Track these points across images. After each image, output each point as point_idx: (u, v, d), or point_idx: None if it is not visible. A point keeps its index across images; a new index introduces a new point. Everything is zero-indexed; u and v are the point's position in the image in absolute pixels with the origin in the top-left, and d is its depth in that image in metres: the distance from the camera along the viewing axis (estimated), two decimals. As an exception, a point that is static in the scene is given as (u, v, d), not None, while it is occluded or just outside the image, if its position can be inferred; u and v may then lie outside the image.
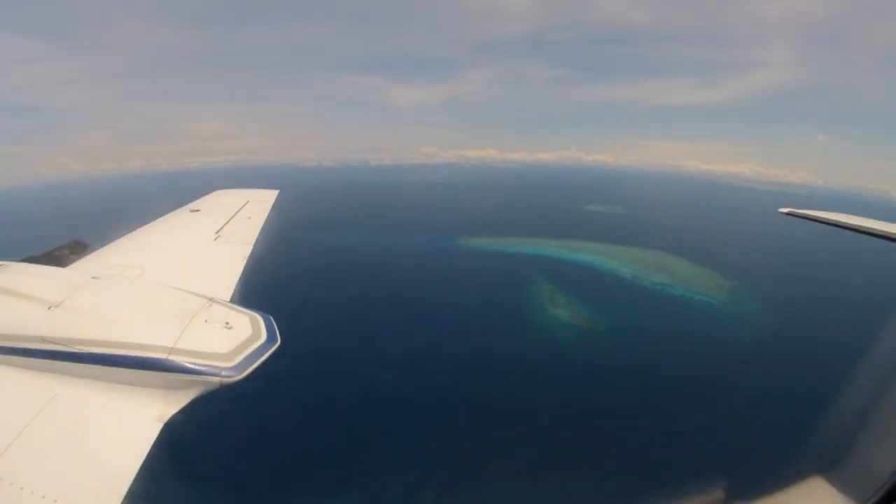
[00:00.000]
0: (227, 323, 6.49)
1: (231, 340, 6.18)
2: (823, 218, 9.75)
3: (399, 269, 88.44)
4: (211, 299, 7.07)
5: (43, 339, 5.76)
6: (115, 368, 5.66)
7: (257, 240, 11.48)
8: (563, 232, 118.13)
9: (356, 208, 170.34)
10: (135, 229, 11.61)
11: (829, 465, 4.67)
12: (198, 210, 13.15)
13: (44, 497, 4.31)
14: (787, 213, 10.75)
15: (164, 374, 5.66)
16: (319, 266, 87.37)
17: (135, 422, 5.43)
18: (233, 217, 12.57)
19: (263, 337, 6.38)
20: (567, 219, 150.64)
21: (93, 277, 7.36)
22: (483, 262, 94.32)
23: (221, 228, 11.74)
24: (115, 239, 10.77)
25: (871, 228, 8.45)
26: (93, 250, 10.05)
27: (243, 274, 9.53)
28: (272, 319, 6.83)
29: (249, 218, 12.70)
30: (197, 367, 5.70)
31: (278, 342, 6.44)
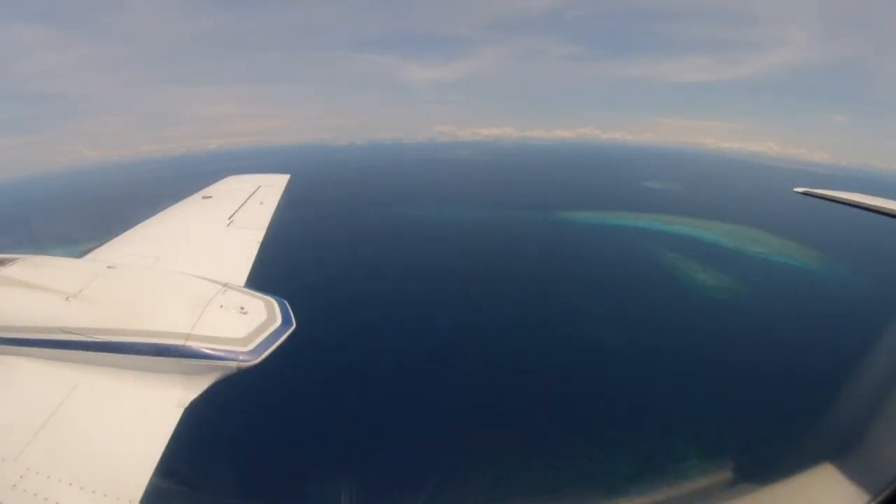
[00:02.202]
0: (242, 308, 6.55)
1: (247, 325, 6.25)
2: (840, 198, 9.48)
3: (510, 243, 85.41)
4: (225, 285, 7.13)
5: (62, 330, 5.81)
6: (133, 356, 5.71)
7: (272, 224, 11.52)
8: (640, 206, 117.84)
9: (422, 184, 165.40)
10: (149, 217, 11.67)
11: (839, 452, 4.54)
12: (210, 196, 13.18)
13: (70, 485, 4.39)
14: (803, 193, 10.57)
15: (182, 360, 5.71)
16: (412, 240, 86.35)
17: (155, 408, 5.49)
18: (245, 202, 12.59)
19: (279, 321, 6.44)
20: (633, 194, 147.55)
21: (108, 267, 7.43)
22: (598, 235, 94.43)
23: (234, 214, 11.78)
24: (130, 227, 10.84)
25: (887, 208, 8.25)
26: (113, 237, 10.13)
27: (257, 258, 9.54)
28: (286, 303, 6.87)
29: (262, 203, 12.72)
30: (214, 353, 5.76)
31: (293, 325, 6.49)
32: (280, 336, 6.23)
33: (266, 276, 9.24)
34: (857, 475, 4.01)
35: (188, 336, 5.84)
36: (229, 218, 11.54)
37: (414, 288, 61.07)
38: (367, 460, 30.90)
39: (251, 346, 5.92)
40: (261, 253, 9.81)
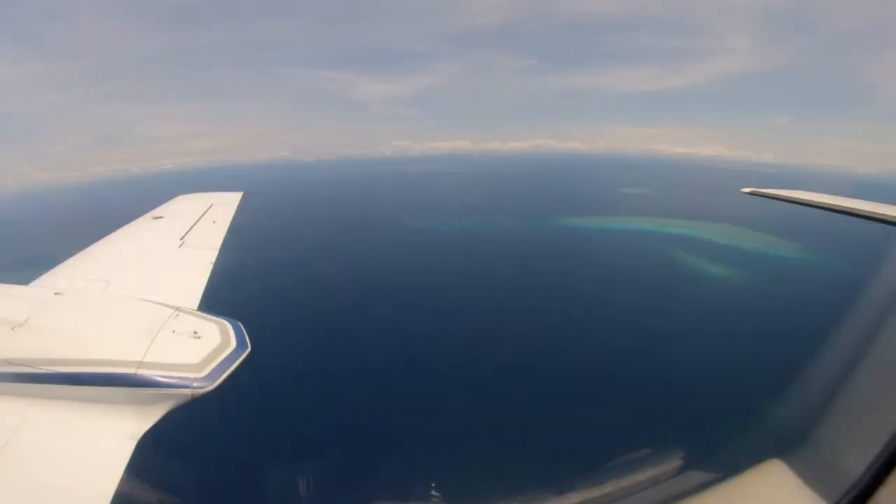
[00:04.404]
0: (195, 332, 6.42)
1: (200, 350, 6.11)
2: (785, 196, 9.53)
3: (518, 250, 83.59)
4: (178, 309, 7.00)
5: (8, 362, 5.61)
6: (83, 387, 5.55)
7: (226, 243, 11.38)
8: (628, 210, 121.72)
9: (405, 198, 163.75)
10: (99, 239, 11.39)
11: (788, 448, 4.36)
12: (161, 217, 12.92)
13: None
14: (750, 193, 10.56)
15: (133, 389, 5.54)
16: (408, 251, 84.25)
17: (108, 441, 5.28)
18: (197, 222, 12.38)
19: (233, 344, 6.31)
20: (616, 200, 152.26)
21: (55, 293, 7.23)
22: (603, 238, 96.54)
23: (186, 234, 11.56)
24: (79, 250, 10.55)
25: (834, 205, 8.17)
26: (62, 261, 9.84)
27: (210, 280, 9.37)
28: (241, 325, 6.76)
29: (214, 222, 12.52)
30: (167, 380, 5.61)
31: (248, 348, 6.37)
32: (235, 360, 6.10)
33: (220, 297, 9.13)
34: (807, 472, 3.99)
35: (140, 364, 5.69)
36: (181, 238, 11.33)
37: (405, 299, 56.64)
38: (331, 484, 28.61)
39: (205, 372, 5.79)
40: (214, 274, 9.65)
